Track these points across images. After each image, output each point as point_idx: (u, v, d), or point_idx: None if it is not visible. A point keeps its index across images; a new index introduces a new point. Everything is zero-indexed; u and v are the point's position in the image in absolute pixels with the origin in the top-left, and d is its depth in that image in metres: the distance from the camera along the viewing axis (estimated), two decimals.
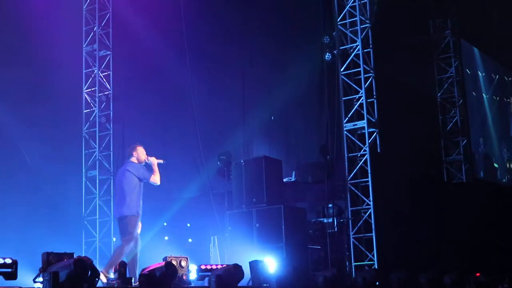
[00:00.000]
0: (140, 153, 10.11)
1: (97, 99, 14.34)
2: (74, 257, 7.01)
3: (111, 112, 14.41)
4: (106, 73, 14.52)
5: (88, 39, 14.56)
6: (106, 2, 14.53)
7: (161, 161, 10.17)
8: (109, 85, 14.48)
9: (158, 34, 14.73)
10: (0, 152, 12.93)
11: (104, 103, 14.41)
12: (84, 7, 14.58)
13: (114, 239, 13.88)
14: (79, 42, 14.57)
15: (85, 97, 14.45)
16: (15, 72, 13.12)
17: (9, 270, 6.65)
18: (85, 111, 14.45)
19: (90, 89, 14.45)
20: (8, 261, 6.65)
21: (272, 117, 14.43)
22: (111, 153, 14.32)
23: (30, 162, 13.33)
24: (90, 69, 14.50)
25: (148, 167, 10.19)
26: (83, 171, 14.21)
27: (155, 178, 10.00)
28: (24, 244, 11.57)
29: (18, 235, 12.11)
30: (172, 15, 14.36)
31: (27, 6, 13.47)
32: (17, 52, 13.41)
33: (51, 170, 14.04)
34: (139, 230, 9.96)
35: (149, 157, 10.13)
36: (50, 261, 7.25)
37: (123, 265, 8.37)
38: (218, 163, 12.36)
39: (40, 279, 6.86)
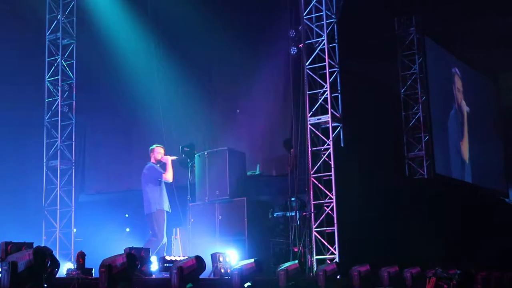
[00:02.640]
0: (156, 153, 11.10)
1: (59, 88, 14.15)
2: (34, 247, 6.93)
3: (74, 102, 14.25)
4: (69, 62, 14.35)
5: (52, 27, 14.36)
6: None
7: (174, 157, 11.12)
8: (72, 74, 14.31)
9: (124, 24, 14.60)
10: None
11: (67, 92, 14.24)
12: None
13: (75, 230, 13.76)
14: (42, 29, 14.38)
15: (48, 85, 14.26)
16: None
17: None
18: (47, 100, 14.26)
19: (52, 78, 14.26)
20: None
21: (238, 110, 14.40)
22: (73, 143, 14.17)
23: None
24: (53, 58, 14.30)
25: (163, 166, 11.09)
26: (44, 160, 14.02)
27: (166, 176, 10.95)
28: None
29: None
30: (139, 5, 14.25)
31: None
32: None
33: (11, 159, 13.85)
34: None
35: (164, 156, 11.07)
36: (8, 251, 7.17)
37: (81, 255, 8.28)
38: (182, 154, 12.29)
39: None
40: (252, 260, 8.73)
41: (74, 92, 14.24)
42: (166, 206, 10.99)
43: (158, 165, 11.06)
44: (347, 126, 12.74)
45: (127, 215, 15.20)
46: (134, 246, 8.50)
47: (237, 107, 14.41)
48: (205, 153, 11.81)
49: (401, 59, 17.36)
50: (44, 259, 6.23)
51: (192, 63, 14.96)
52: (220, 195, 11.53)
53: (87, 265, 8.24)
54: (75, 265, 8.32)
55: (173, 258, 9.16)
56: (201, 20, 14.34)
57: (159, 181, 10.93)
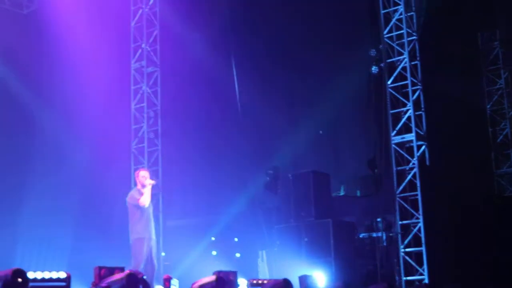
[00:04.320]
0: (140, 177, 10.19)
1: (145, 115, 14.48)
2: (125, 271, 7.10)
3: (159, 128, 14.53)
4: (154, 89, 14.66)
5: (136, 56, 14.74)
6: (153, 20, 14.72)
7: (153, 182, 10.17)
8: (157, 101, 14.61)
9: (206, 50, 14.85)
10: (56, 171, 13.22)
11: (152, 119, 14.54)
12: (132, 24, 14.79)
13: (163, 253, 13.97)
14: (127, 58, 14.79)
15: (134, 112, 14.61)
16: (63, 88, 13.47)
17: (63, 284, 6.78)
18: (133, 126, 14.60)
19: (138, 105, 14.60)
20: (62, 275, 6.77)
21: (320, 131, 14.40)
22: (160, 168, 14.42)
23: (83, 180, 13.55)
24: (139, 85, 14.66)
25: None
26: (132, 186, 14.31)
27: (141, 200, 9.96)
28: (77, 258, 11.75)
29: (71, 249, 12.31)
30: (220, 30, 14.47)
31: (76, 24, 13.78)
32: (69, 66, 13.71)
33: (100, 186, 14.23)
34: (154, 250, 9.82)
35: (147, 179, 10.19)
36: (102, 275, 7.35)
37: (168, 279, 8.41)
38: (266, 177, 12.38)
39: None
40: (340, 282, 8.67)
41: (159, 119, 14.54)
42: (147, 233, 9.93)
43: (144, 188, 10.14)
44: (432, 144, 12.53)
45: (213, 239, 15.37)
46: (222, 270, 8.57)
47: (319, 128, 14.40)
48: (290, 175, 11.84)
49: (486, 74, 16.98)
50: (137, 283, 6.37)
51: (273, 86, 15.07)
52: (306, 216, 11.52)
53: None
54: None
55: (260, 281, 9.19)
56: (282, 44, 14.46)
57: (137, 208, 10.02)
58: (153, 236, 9.90)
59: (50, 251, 11.98)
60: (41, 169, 13.06)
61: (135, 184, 10.40)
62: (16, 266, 6.45)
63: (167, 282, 8.40)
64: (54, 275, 6.73)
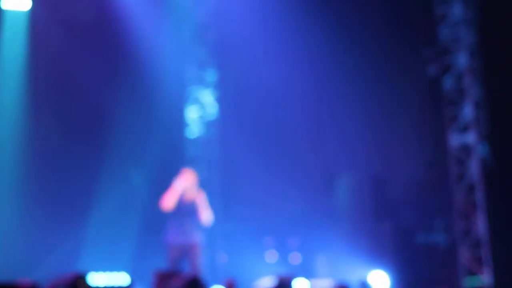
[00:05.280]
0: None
1: (202, 122, 14.56)
2: (184, 275, 7.17)
3: (216, 136, 14.59)
4: (211, 96, 14.72)
5: (193, 61, 14.83)
6: (211, 25, 14.78)
7: (180, 184, 9.96)
8: (214, 108, 14.66)
9: (264, 56, 14.85)
10: (115, 178, 13.45)
11: (209, 127, 14.61)
12: (189, 30, 14.88)
13: (224, 257, 14.05)
14: (183, 65, 14.91)
15: (190, 120, 14.70)
16: (117, 99, 13.70)
17: None
18: (189, 134, 14.70)
19: (194, 112, 14.68)
20: (125, 281, 6.90)
21: (375, 133, 14.28)
22: (218, 175, 14.49)
23: (137, 185, 13.73)
24: (196, 93, 14.74)
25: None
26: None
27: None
28: (137, 262, 11.91)
29: (132, 254, 12.50)
30: (275, 36, 14.45)
31: (133, 32, 13.96)
32: (124, 76, 13.90)
33: (159, 192, 14.40)
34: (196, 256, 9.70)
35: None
36: (162, 280, 7.45)
37: (231, 283, 8.46)
38: (322, 181, 12.34)
39: None
40: (400, 286, 8.59)
41: (216, 126, 14.60)
42: (171, 237, 9.77)
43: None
44: (493, 145, 12.31)
45: (271, 241, 15.36)
46: (280, 273, 8.59)
47: (376, 131, 14.28)
48: (346, 179, 11.80)
49: None
50: (197, 287, 6.43)
51: (324, 86, 14.99)
52: (363, 220, 11.47)
53: None
54: None
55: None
56: (332, 40, 14.38)
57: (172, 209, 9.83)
58: (193, 241, 9.72)
59: (114, 254, 12.21)
60: (110, 173, 13.33)
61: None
62: (80, 266, 6.61)
63: (231, 286, 8.43)
64: (117, 281, 6.86)
